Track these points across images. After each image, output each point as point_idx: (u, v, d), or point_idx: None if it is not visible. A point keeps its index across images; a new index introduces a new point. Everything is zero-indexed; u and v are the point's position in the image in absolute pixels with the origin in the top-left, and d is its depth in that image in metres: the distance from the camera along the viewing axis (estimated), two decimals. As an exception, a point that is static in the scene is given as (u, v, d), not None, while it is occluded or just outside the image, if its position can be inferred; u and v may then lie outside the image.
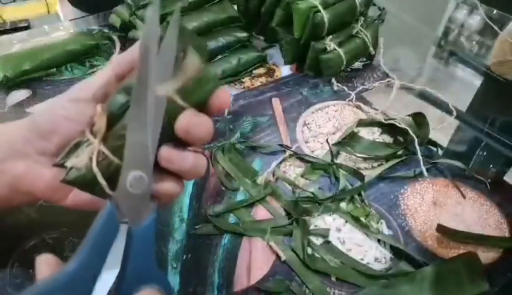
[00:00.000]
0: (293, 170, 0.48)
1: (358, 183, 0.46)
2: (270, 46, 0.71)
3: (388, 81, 0.64)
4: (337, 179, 0.46)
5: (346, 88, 0.61)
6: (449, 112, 0.58)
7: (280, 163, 0.48)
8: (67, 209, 0.41)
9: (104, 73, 0.28)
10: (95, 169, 0.25)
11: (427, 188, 0.46)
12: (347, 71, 0.67)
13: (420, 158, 0.48)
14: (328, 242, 0.40)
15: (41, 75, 0.60)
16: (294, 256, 0.38)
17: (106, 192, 0.25)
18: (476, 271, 0.37)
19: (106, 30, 0.71)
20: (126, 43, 0.67)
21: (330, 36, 0.62)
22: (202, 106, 0.26)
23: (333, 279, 0.37)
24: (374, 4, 0.72)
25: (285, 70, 0.66)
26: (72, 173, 0.26)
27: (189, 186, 0.45)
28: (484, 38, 0.77)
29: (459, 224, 0.43)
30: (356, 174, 0.47)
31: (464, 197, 0.46)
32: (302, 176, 0.47)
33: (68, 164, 0.26)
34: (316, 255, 0.39)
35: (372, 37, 0.66)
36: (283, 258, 0.38)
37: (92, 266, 0.23)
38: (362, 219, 0.42)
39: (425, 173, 0.48)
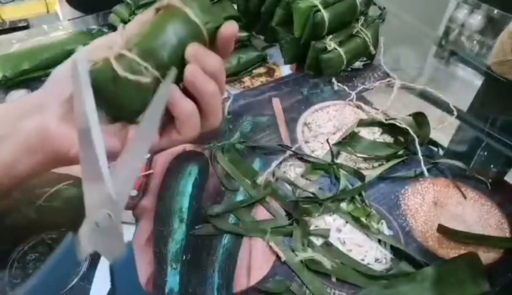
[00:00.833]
0: (293, 170, 0.48)
1: (358, 183, 0.46)
2: (270, 45, 0.71)
3: (388, 81, 0.64)
4: (337, 179, 0.46)
5: (346, 88, 0.61)
6: (449, 112, 0.58)
7: (280, 163, 0.48)
8: (66, 209, 0.41)
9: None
10: (114, 61, 0.27)
11: (427, 188, 0.46)
12: (348, 71, 0.66)
13: (421, 158, 0.48)
14: (329, 243, 0.40)
15: (40, 75, 0.60)
16: (294, 256, 0.38)
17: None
18: (477, 271, 0.37)
19: (105, 30, 0.70)
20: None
21: (331, 36, 0.62)
22: (212, 35, 0.30)
23: (333, 279, 0.37)
24: (375, 4, 0.72)
25: (285, 70, 0.66)
26: (92, 69, 0.28)
27: (189, 186, 0.44)
28: (485, 37, 0.77)
29: (460, 224, 0.43)
30: (357, 174, 0.46)
31: (465, 197, 0.46)
32: (302, 176, 0.47)
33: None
34: (316, 255, 0.39)
35: (372, 37, 0.66)
36: (283, 258, 0.38)
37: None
38: (363, 219, 0.42)
39: (425, 173, 0.47)
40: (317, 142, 0.51)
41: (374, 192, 0.45)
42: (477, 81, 0.69)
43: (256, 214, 0.42)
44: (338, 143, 0.50)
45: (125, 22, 0.67)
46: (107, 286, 0.35)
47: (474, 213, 0.44)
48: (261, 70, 0.65)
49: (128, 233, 0.39)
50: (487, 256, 0.40)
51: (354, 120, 0.54)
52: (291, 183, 0.45)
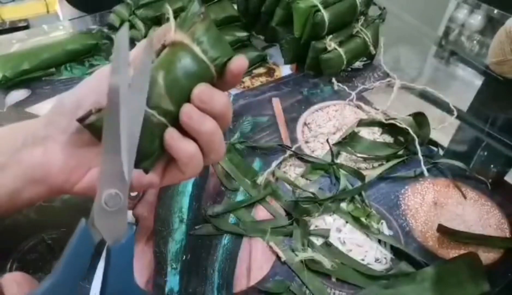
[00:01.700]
0: (293, 170, 0.48)
1: (358, 183, 0.46)
2: (270, 45, 0.71)
3: (388, 81, 0.64)
4: (337, 179, 0.46)
5: (346, 88, 0.61)
6: (450, 112, 0.58)
7: (280, 163, 0.48)
8: (66, 209, 0.41)
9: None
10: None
11: (427, 188, 0.46)
12: (348, 71, 0.66)
13: (421, 158, 0.48)
14: (329, 243, 0.40)
15: (40, 75, 0.60)
16: (294, 256, 0.38)
17: None
18: (477, 271, 0.37)
19: (105, 30, 0.70)
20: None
21: (331, 36, 0.62)
22: (221, 70, 0.29)
23: (334, 279, 0.37)
24: (375, 4, 0.72)
25: (285, 70, 0.66)
26: (92, 117, 0.27)
27: (189, 186, 0.44)
28: (485, 37, 0.77)
29: (460, 224, 0.43)
30: (357, 174, 0.46)
31: (465, 197, 0.46)
32: (302, 176, 0.47)
33: (91, 117, 0.27)
34: (316, 255, 0.39)
35: (372, 37, 0.66)
36: (283, 258, 0.38)
37: (66, 286, 0.24)
38: (363, 219, 0.42)
39: (425, 173, 0.47)
40: (317, 142, 0.51)
41: (374, 192, 0.45)
42: (477, 81, 0.69)
43: (256, 214, 0.42)
44: (338, 144, 0.50)
45: (124, 21, 0.67)
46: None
47: (474, 213, 0.44)
48: (261, 70, 0.65)
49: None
50: (487, 256, 0.40)
51: (354, 120, 0.54)
52: (291, 183, 0.45)
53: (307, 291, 0.36)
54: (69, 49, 0.63)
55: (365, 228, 0.41)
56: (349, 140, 0.51)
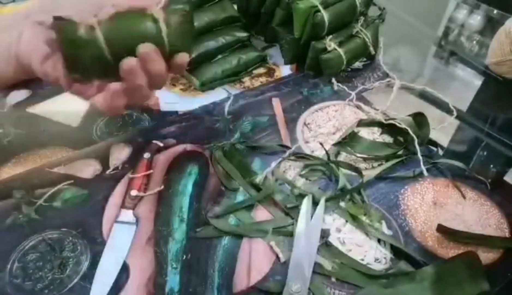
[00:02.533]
0: (293, 170, 0.48)
1: (357, 182, 0.46)
2: (270, 46, 0.71)
3: (388, 81, 0.64)
4: (336, 179, 0.46)
5: (346, 88, 0.61)
6: (449, 112, 0.58)
7: (280, 163, 0.48)
8: (66, 209, 0.42)
9: None
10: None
11: (427, 188, 0.46)
12: (347, 71, 0.66)
13: (420, 158, 0.48)
14: (328, 243, 0.40)
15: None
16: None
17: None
18: (476, 270, 0.37)
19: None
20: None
21: (330, 36, 0.62)
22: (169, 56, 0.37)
23: (333, 279, 0.37)
24: (375, 4, 0.72)
25: (285, 70, 0.66)
26: (66, 21, 0.33)
27: (189, 186, 0.44)
28: (485, 38, 0.77)
29: (460, 224, 0.43)
30: (353, 168, 0.47)
31: (464, 197, 0.46)
32: (301, 176, 0.47)
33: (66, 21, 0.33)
34: (316, 257, 0.39)
35: (372, 37, 0.66)
36: (283, 259, 0.38)
37: None
38: (362, 219, 0.42)
39: (425, 173, 0.48)
40: (317, 143, 0.52)
41: (373, 192, 0.46)
42: (477, 81, 0.69)
43: (256, 214, 0.42)
44: (338, 144, 0.50)
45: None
46: (107, 286, 0.35)
47: (473, 213, 0.44)
48: (261, 70, 0.65)
49: (129, 233, 0.39)
50: (486, 256, 0.40)
51: (354, 120, 0.54)
52: (289, 183, 0.45)
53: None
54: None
55: (364, 228, 0.41)
56: (349, 140, 0.51)
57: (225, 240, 0.40)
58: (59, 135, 0.51)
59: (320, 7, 0.59)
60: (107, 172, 0.45)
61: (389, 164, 0.49)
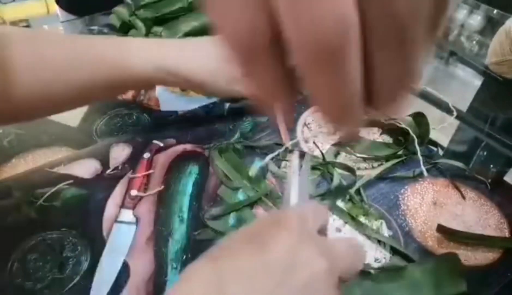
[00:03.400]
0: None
1: (356, 183, 0.46)
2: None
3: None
4: (331, 178, 0.46)
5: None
6: (449, 112, 0.58)
7: (280, 162, 0.48)
8: (66, 209, 0.42)
9: None
10: None
11: (427, 188, 0.46)
12: (347, 71, 0.66)
13: (420, 158, 0.48)
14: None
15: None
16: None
17: None
18: (456, 271, 0.37)
19: (106, 30, 0.71)
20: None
21: (330, 36, 0.62)
22: None
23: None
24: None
25: (285, 70, 0.66)
26: None
27: (189, 185, 0.44)
28: (484, 38, 0.77)
29: (460, 224, 0.43)
30: (347, 169, 0.47)
31: (464, 197, 0.46)
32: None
33: None
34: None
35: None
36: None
37: None
38: (362, 219, 0.42)
39: (425, 173, 0.48)
40: (317, 143, 0.52)
41: (373, 192, 0.46)
42: (477, 81, 0.69)
43: (256, 214, 0.42)
44: (338, 143, 0.50)
45: (125, 22, 0.67)
46: (107, 286, 0.35)
47: (473, 213, 0.44)
48: (261, 70, 0.65)
49: (129, 233, 0.39)
50: (486, 256, 0.40)
51: (353, 120, 0.54)
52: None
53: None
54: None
55: (364, 228, 0.41)
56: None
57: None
58: (59, 135, 0.51)
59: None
60: (107, 172, 0.46)
61: (389, 164, 0.49)
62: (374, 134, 0.53)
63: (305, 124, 0.55)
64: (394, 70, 0.15)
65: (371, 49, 0.14)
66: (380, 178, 0.47)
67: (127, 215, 0.41)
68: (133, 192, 0.43)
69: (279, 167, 0.48)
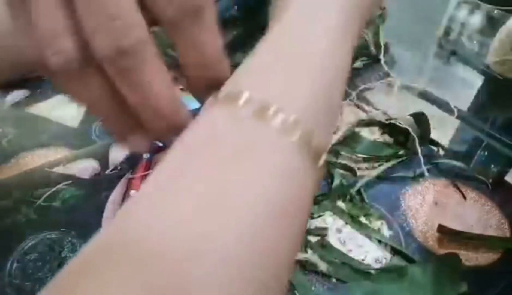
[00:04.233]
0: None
1: (357, 183, 0.45)
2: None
3: (389, 81, 0.64)
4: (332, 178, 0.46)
5: (346, 88, 0.61)
6: (450, 112, 0.58)
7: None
8: (66, 209, 0.41)
9: None
10: None
11: (428, 188, 0.46)
12: (348, 70, 0.66)
13: (421, 158, 0.48)
14: (327, 243, 0.40)
15: (41, 75, 0.60)
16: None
17: None
18: (456, 272, 0.37)
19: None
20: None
21: (331, 36, 0.62)
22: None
23: (334, 280, 0.37)
24: (375, 4, 0.72)
25: (285, 70, 0.66)
26: None
27: (189, 186, 0.44)
28: (485, 37, 0.77)
29: (460, 224, 0.42)
30: (347, 168, 0.46)
31: (465, 197, 0.45)
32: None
33: None
34: (312, 257, 0.38)
35: (373, 37, 0.66)
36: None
37: None
38: (363, 219, 0.42)
39: (426, 173, 0.47)
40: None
41: (374, 192, 0.45)
42: (478, 81, 0.69)
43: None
44: (338, 143, 0.50)
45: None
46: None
47: (474, 213, 0.44)
48: (261, 70, 0.65)
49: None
50: (487, 256, 0.39)
51: (354, 120, 0.54)
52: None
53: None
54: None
55: (365, 228, 0.41)
56: (349, 140, 0.51)
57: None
58: (58, 135, 0.51)
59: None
60: (107, 172, 0.45)
61: (389, 164, 0.49)
62: (374, 134, 0.53)
63: (305, 124, 0.55)
64: (133, 98, 0.18)
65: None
66: (381, 178, 0.47)
67: (126, 215, 0.41)
68: (133, 192, 0.43)
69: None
